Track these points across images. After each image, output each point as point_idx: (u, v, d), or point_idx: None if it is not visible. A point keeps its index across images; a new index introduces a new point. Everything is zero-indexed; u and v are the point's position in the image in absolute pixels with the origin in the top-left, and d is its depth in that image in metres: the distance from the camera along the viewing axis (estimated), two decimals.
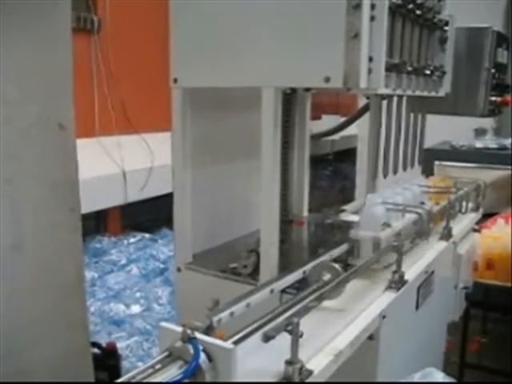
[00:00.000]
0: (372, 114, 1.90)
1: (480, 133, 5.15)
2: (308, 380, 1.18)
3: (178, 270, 2.17)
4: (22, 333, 1.85)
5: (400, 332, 1.76)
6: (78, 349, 2.11)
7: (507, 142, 4.70)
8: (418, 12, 1.86)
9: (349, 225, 2.63)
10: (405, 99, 2.05)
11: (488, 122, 5.31)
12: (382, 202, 1.89)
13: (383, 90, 1.73)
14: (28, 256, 1.86)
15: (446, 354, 2.52)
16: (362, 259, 1.82)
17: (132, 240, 5.93)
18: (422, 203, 2.09)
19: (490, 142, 4.84)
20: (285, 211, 2.64)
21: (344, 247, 1.93)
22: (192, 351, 1.03)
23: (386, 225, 1.86)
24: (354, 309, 1.53)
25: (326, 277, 1.48)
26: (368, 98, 2.03)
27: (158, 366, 1.03)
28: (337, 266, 1.51)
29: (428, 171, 2.86)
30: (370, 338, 1.52)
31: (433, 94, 2.16)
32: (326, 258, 1.75)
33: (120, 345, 3.53)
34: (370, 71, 1.63)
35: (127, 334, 4.04)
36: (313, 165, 2.82)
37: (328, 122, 5.20)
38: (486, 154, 4.47)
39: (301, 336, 1.16)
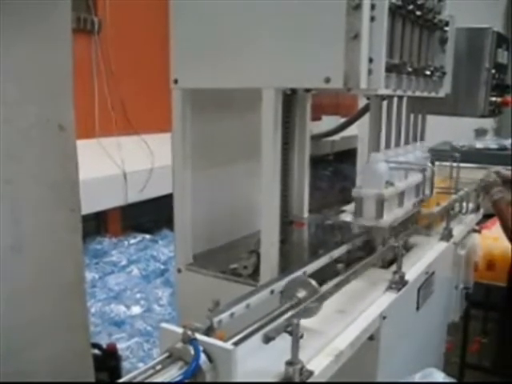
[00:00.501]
0: (372, 114, 1.90)
1: (480, 133, 5.15)
2: (309, 380, 1.19)
3: (179, 270, 2.17)
4: (23, 333, 1.85)
5: (400, 332, 1.76)
6: (78, 350, 2.11)
7: (507, 142, 4.70)
8: (418, 13, 1.86)
9: (349, 225, 2.64)
10: (405, 100, 2.05)
11: (488, 123, 5.31)
12: (385, 161, 1.86)
13: (383, 91, 1.73)
14: (28, 257, 1.86)
15: (446, 354, 2.52)
16: (365, 219, 1.82)
17: (132, 241, 5.93)
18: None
19: (490, 142, 4.84)
20: (285, 212, 2.64)
21: (344, 248, 1.93)
22: (192, 352, 1.03)
23: (389, 184, 1.83)
24: (355, 309, 1.53)
25: (301, 294, 1.34)
26: (368, 98, 2.03)
27: (158, 367, 1.03)
28: (313, 282, 1.36)
29: None
30: (371, 338, 1.52)
31: (433, 94, 2.16)
32: (319, 263, 1.74)
33: (120, 346, 3.53)
34: (370, 72, 1.62)
35: (128, 334, 4.04)
36: (313, 165, 2.83)
37: (328, 122, 5.20)
38: (487, 155, 4.47)
39: (301, 337, 1.16)
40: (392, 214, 1.87)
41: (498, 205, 2.64)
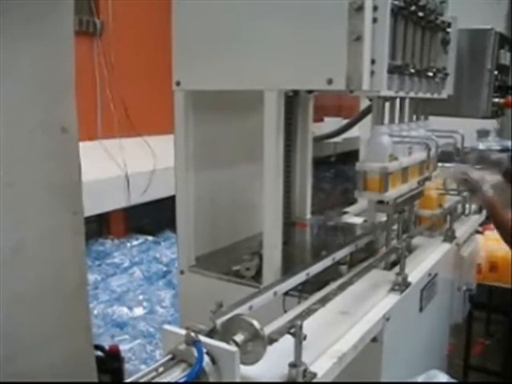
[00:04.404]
0: (374, 116, 1.90)
1: (483, 134, 5.14)
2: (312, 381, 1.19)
3: (181, 272, 2.17)
4: (25, 335, 1.85)
5: (404, 334, 1.76)
6: (81, 351, 2.11)
7: (510, 143, 4.69)
8: (421, 14, 1.86)
9: (351, 227, 2.64)
10: (407, 101, 2.04)
11: (491, 124, 5.29)
12: (389, 134, 1.83)
13: (386, 92, 1.73)
14: (31, 259, 1.86)
15: (448, 356, 2.51)
16: (369, 192, 1.79)
17: (135, 242, 5.93)
18: None
19: (492, 143, 4.83)
20: (287, 213, 2.64)
21: (347, 249, 1.93)
22: (196, 354, 1.03)
23: (393, 158, 1.79)
24: (358, 311, 1.53)
25: (239, 338, 1.13)
26: (370, 100, 2.03)
27: (161, 369, 1.03)
28: (255, 322, 1.14)
29: None
30: (374, 340, 1.52)
31: (435, 95, 2.16)
32: (322, 264, 1.73)
33: (123, 347, 3.53)
34: (372, 73, 1.63)
35: (130, 336, 4.04)
36: (315, 167, 2.83)
37: (330, 124, 5.20)
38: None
39: (304, 338, 1.16)
40: (396, 190, 1.83)
41: (492, 203, 2.22)
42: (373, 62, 1.62)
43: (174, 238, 3.50)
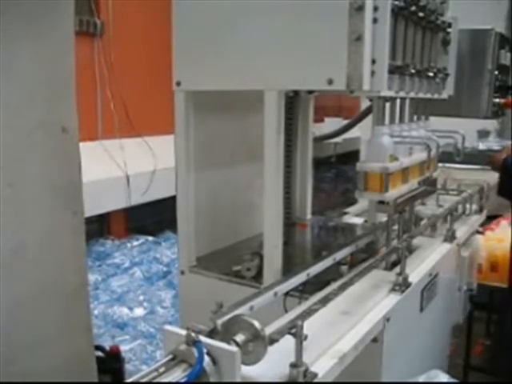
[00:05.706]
0: (375, 116, 1.90)
1: (483, 134, 5.15)
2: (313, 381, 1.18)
3: (182, 272, 2.17)
4: (26, 336, 1.85)
5: (404, 334, 1.76)
6: (81, 352, 2.11)
7: (510, 143, 4.69)
8: (421, 14, 1.86)
9: (352, 227, 2.64)
10: (408, 101, 2.04)
11: (491, 124, 5.31)
12: (390, 135, 1.83)
13: (386, 93, 1.73)
14: (31, 260, 1.86)
15: (449, 356, 2.51)
16: (369, 192, 1.79)
17: (135, 243, 5.93)
18: None
19: (492, 143, 4.84)
20: (288, 214, 2.64)
21: (348, 250, 1.93)
22: (196, 354, 1.03)
23: (394, 158, 1.80)
24: (358, 311, 1.53)
25: (240, 338, 1.13)
26: (371, 100, 2.03)
27: (162, 369, 1.03)
28: (256, 322, 1.14)
29: None
30: (374, 340, 1.52)
31: (436, 96, 2.16)
32: (323, 265, 1.73)
33: (123, 348, 3.53)
34: (372, 73, 1.62)
35: (131, 337, 4.04)
36: (315, 167, 2.83)
37: (331, 124, 5.20)
38: (489, 156, 4.46)
39: (305, 339, 1.16)
40: (396, 190, 1.84)
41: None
42: (373, 62, 1.62)
43: (175, 238, 3.50)
